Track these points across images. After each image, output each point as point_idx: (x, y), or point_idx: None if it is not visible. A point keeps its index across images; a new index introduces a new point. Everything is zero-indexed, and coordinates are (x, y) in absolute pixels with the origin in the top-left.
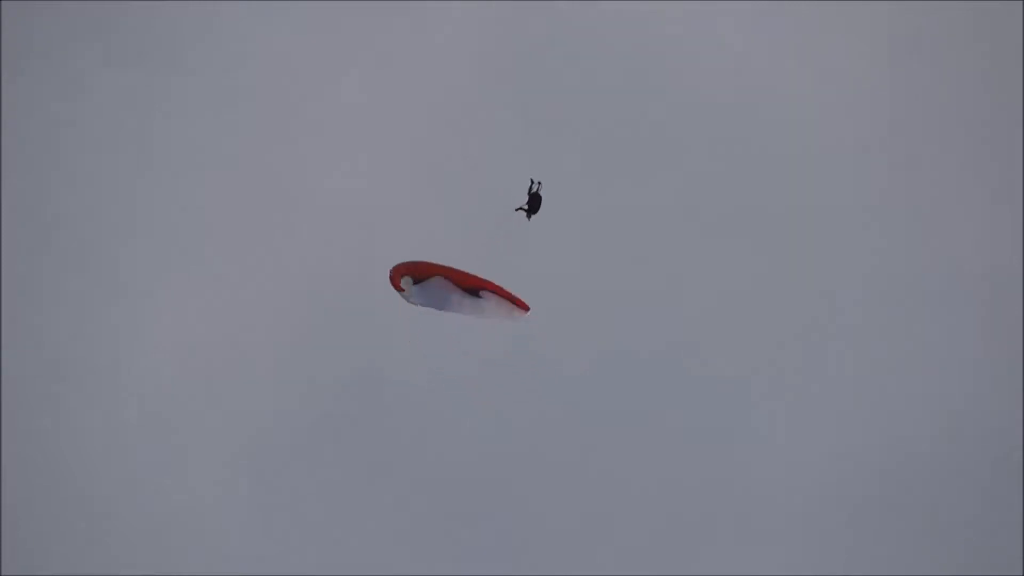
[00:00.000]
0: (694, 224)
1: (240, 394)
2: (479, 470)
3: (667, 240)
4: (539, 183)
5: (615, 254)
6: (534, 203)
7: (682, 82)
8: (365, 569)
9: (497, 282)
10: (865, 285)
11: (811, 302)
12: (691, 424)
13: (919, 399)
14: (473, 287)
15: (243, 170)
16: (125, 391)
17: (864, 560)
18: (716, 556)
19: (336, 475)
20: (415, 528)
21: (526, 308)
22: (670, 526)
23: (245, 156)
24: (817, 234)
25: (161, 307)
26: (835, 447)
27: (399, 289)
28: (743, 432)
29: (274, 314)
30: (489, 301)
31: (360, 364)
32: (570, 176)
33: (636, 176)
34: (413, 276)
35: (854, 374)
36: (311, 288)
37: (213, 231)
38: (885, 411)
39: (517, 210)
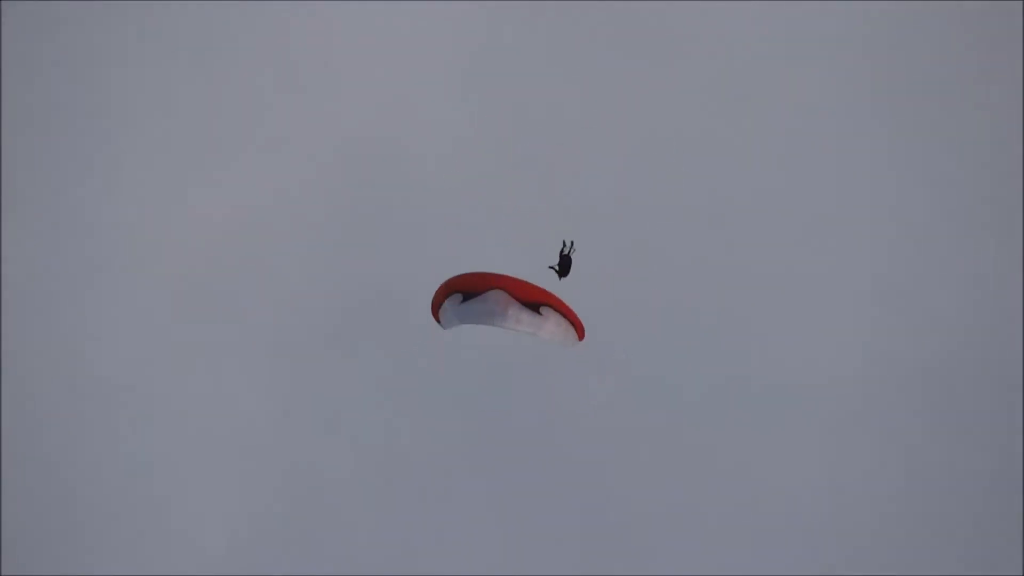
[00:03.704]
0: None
1: (268, 286)
2: (504, 360)
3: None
4: (571, 244)
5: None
6: (564, 265)
7: None
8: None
9: (558, 296)
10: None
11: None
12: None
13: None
14: (535, 301)
15: (269, 47)
16: (151, 276)
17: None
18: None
19: (367, 369)
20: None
21: (582, 335)
22: (687, 428)
23: (276, 31)
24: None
25: (188, 190)
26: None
27: (436, 313)
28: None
29: (303, 200)
30: (548, 320)
31: (387, 256)
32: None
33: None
34: (465, 291)
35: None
36: (342, 172)
37: (243, 114)
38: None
39: (549, 267)
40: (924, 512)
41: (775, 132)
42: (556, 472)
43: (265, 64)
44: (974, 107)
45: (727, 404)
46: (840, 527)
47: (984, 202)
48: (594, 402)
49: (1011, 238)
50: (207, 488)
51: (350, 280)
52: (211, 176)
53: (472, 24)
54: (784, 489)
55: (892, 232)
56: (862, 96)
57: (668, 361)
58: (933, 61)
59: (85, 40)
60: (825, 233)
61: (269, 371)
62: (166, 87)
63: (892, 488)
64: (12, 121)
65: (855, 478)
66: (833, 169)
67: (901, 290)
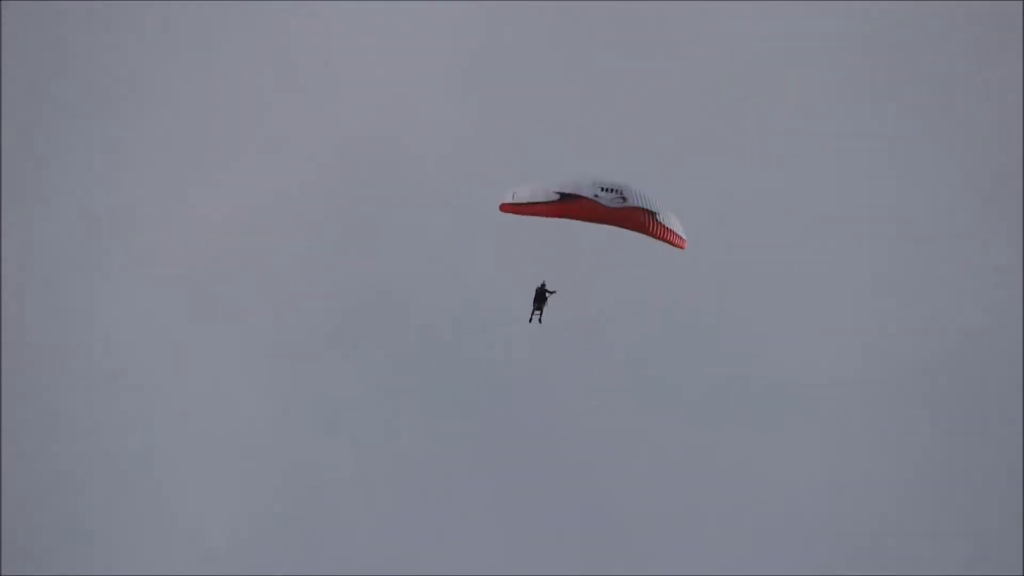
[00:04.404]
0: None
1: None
2: (506, 361)
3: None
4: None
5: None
6: (540, 298)
7: None
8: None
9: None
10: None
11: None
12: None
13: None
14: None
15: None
16: (151, 276)
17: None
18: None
19: (367, 369)
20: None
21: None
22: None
23: (276, 31)
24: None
25: (188, 189)
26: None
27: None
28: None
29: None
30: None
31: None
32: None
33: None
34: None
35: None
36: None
37: (249, 112)
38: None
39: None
40: (924, 512)
41: (775, 132)
42: (556, 472)
43: (265, 64)
44: (974, 107)
45: (727, 404)
46: (840, 527)
47: (984, 202)
48: (594, 402)
49: (1011, 238)
50: (207, 488)
51: (350, 280)
52: (211, 176)
53: (472, 24)
54: (784, 489)
55: (892, 232)
56: (862, 96)
57: (668, 361)
58: (933, 60)
59: (85, 40)
60: (825, 233)
61: (269, 371)
62: (166, 87)
63: (892, 488)
64: (12, 121)
65: (855, 478)
66: (833, 169)
67: (901, 290)
